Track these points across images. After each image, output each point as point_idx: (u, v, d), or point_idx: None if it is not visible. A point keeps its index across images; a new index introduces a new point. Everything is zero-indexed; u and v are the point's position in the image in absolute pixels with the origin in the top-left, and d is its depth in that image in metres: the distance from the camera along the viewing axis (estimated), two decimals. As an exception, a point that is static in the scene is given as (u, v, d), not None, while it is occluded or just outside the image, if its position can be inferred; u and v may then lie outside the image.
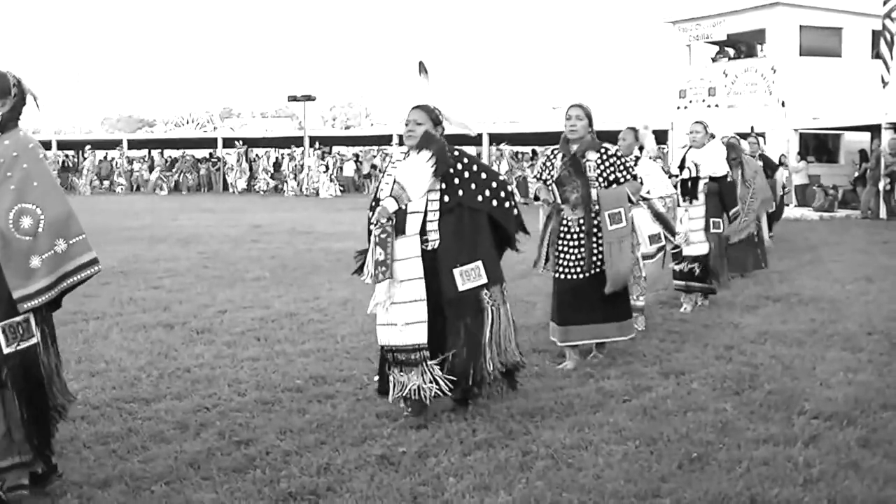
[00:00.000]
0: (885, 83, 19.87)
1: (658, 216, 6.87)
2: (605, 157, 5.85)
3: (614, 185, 5.83)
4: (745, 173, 9.83)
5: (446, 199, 4.77)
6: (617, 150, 6.01)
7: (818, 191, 21.70)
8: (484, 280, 4.74)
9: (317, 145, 32.15)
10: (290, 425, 4.62)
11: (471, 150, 29.07)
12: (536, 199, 6.04)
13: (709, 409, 4.84)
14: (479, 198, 4.80)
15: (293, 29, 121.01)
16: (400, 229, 4.72)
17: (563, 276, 5.89)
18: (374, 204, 4.90)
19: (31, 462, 3.67)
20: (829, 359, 6.00)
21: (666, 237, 6.96)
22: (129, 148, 37.19)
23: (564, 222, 5.89)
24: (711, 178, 7.91)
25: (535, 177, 6.18)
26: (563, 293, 5.90)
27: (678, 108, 24.79)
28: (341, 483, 3.86)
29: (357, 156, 34.65)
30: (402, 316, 4.68)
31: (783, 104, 22.54)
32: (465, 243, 4.76)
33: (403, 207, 4.71)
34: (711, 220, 7.96)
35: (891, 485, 3.76)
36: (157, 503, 3.71)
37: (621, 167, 5.86)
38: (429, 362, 4.67)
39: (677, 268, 8.02)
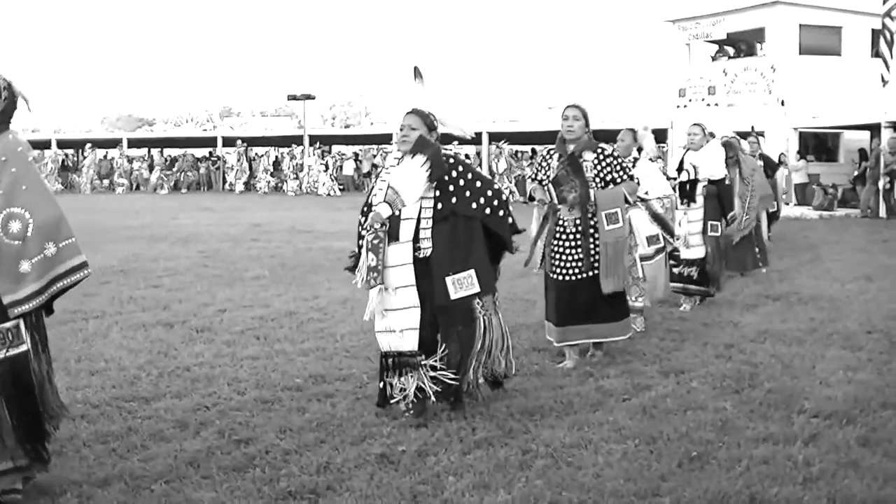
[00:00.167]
0: (884, 82, 19.88)
1: (656, 217, 6.87)
2: (601, 157, 5.83)
3: (611, 186, 5.82)
4: (742, 171, 9.83)
5: (440, 206, 4.74)
6: (614, 151, 5.99)
7: (818, 190, 21.70)
8: (476, 289, 4.71)
9: (317, 144, 32.13)
10: (290, 424, 4.63)
11: (471, 149, 28.79)
12: (532, 199, 6.03)
13: (708, 407, 4.84)
14: (473, 205, 4.77)
15: (293, 28, 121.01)
16: (393, 235, 4.71)
17: (559, 277, 5.87)
18: (365, 209, 4.90)
19: (25, 467, 3.65)
20: (829, 357, 6.00)
21: (664, 238, 6.96)
22: (129, 147, 37.08)
23: (560, 223, 5.88)
24: (710, 181, 7.89)
25: (530, 177, 6.17)
26: (560, 293, 5.88)
27: (678, 106, 24.74)
28: (341, 482, 3.87)
29: (357, 154, 34.66)
30: (399, 322, 4.71)
31: (783, 103, 22.51)
32: (458, 251, 4.72)
33: (397, 213, 4.70)
34: (709, 222, 7.94)
35: (890, 483, 3.77)
36: (156, 502, 3.71)
37: (618, 167, 5.85)
38: (427, 363, 4.68)
39: (675, 270, 8.01)
